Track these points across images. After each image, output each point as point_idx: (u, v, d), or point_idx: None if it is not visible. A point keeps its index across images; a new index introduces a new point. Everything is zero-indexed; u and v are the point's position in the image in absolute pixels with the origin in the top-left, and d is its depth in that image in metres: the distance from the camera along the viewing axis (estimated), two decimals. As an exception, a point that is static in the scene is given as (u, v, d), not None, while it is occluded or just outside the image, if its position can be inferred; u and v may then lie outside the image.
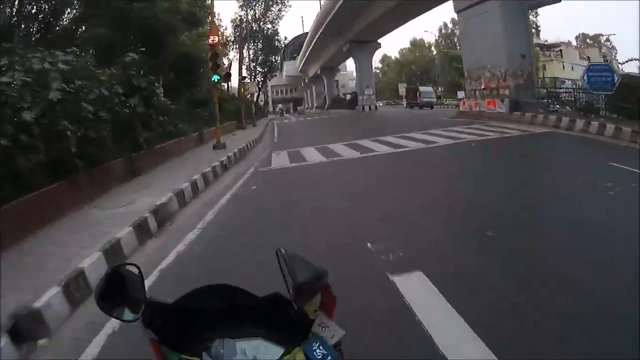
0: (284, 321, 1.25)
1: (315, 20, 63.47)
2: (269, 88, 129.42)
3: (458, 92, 54.83)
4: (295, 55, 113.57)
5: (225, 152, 17.39)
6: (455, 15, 34.97)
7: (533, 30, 76.90)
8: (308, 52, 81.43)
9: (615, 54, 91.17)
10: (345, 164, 14.14)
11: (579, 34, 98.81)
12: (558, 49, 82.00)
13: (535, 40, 77.90)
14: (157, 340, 1.21)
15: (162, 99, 17.32)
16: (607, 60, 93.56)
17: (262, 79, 64.56)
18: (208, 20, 24.94)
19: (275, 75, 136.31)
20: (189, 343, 1.24)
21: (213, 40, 19.23)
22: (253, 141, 23.28)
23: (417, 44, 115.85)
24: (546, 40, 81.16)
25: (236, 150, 18.01)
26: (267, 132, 32.88)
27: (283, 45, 63.91)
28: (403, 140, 18.18)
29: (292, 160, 15.67)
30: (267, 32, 59.74)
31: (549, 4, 30.38)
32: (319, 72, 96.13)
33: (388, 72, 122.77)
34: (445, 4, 38.11)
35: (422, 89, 62.91)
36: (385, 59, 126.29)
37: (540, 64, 74.63)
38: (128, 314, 1.19)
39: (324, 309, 1.19)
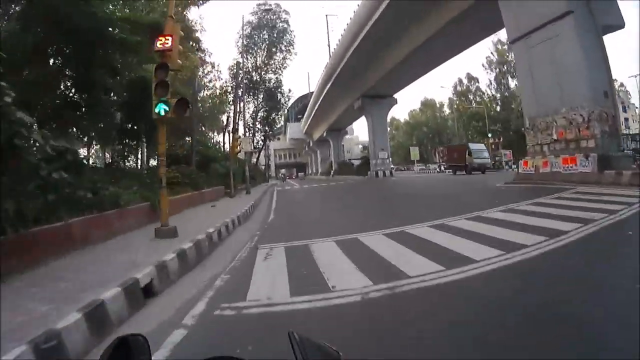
0: None
1: (324, 72, 56.97)
2: (271, 150, 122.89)
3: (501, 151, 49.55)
4: (299, 116, 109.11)
5: (169, 246, 8.58)
6: (470, 69, 29.43)
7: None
8: (315, 110, 75.23)
9: (630, 98, 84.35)
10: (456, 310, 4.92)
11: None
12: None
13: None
14: None
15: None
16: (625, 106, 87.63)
17: (262, 138, 56.75)
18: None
19: (279, 138, 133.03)
20: None
21: (164, 44, 10.76)
22: (237, 219, 14.64)
23: (428, 104, 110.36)
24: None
25: (194, 242, 8.98)
26: (262, 204, 24.60)
27: (287, 99, 56.55)
28: (496, 228, 9.69)
29: (295, 282, 6.45)
30: (269, 82, 52.90)
31: (616, 29, 22.42)
32: (325, 134, 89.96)
33: (397, 135, 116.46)
34: (464, 53, 30.73)
35: (473, 146, 49.74)
36: (393, 122, 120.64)
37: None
38: None
39: None
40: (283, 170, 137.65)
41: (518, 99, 69.23)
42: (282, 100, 55.18)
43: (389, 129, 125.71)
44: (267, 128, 55.78)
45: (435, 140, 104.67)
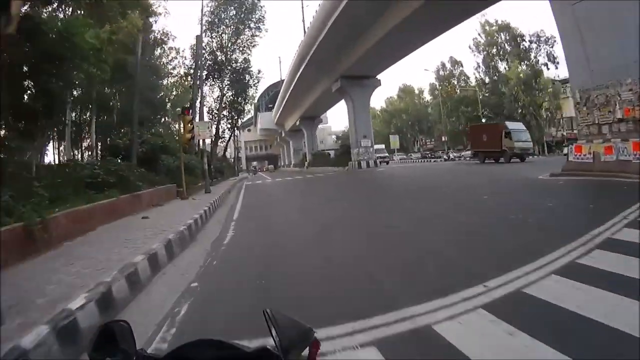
0: None
1: (298, 52, 50.40)
2: (241, 142, 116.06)
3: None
4: (270, 106, 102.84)
5: None
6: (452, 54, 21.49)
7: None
8: (287, 96, 68.97)
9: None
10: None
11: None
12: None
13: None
14: None
15: None
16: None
17: (229, 126, 49.68)
18: None
19: (250, 130, 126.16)
20: None
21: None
22: (166, 245, 8.39)
23: (406, 90, 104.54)
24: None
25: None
26: (222, 208, 18.54)
27: (257, 81, 48.88)
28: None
29: None
30: (235, 63, 45.92)
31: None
32: (298, 123, 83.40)
33: (373, 124, 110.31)
34: (449, 36, 25.50)
35: (511, 125, 38.91)
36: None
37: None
38: None
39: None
40: (254, 163, 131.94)
41: (511, 82, 64.49)
42: (251, 82, 47.72)
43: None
44: (234, 114, 48.43)
45: (415, 129, 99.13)
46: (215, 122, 44.32)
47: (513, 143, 36.25)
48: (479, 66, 75.27)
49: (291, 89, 63.48)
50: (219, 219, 14.65)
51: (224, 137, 49.49)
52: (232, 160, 76.06)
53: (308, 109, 72.04)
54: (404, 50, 42.27)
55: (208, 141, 38.11)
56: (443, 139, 76.35)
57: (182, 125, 20.75)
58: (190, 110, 25.26)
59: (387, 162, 60.15)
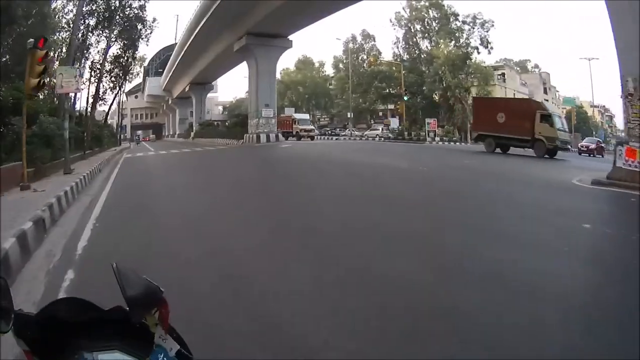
0: (135, 333, 1.21)
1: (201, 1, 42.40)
2: (127, 109, 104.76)
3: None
4: (160, 70, 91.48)
5: None
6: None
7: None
8: (180, 56, 61.16)
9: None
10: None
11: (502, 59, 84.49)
12: (501, 72, 70.21)
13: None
14: (30, 351, 1.21)
15: None
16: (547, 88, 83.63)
17: (112, 85, 40.86)
18: None
19: (137, 97, 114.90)
20: (56, 354, 1.22)
21: None
22: None
23: (306, 62, 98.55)
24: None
25: None
26: (74, 208, 11.17)
27: (150, 31, 39.67)
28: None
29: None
30: (129, 9, 37.25)
31: None
32: (187, 89, 75.33)
33: None
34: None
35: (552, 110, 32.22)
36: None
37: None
38: (1, 325, 1.16)
39: (162, 322, 1.18)
40: (139, 132, 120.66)
41: (437, 62, 61.08)
42: (144, 33, 38.99)
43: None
44: (119, 71, 39.83)
45: (311, 103, 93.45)
46: (96, 79, 35.92)
47: (555, 131, 27.19)
48: (399, 41, 70.83)
49: (186, 47, 55.53)
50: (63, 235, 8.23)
51: (105, 99, 40.60)
52: (116, 128, 66.90)
53: (200, 73, 64.22)
54: (324, 7, 36.36)
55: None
56: (348, 115, 71.28)
57: (28, 64, 12.92)
58: (49, 47, 17.62)
59: (312, 138, 50.36)
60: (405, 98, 58.94)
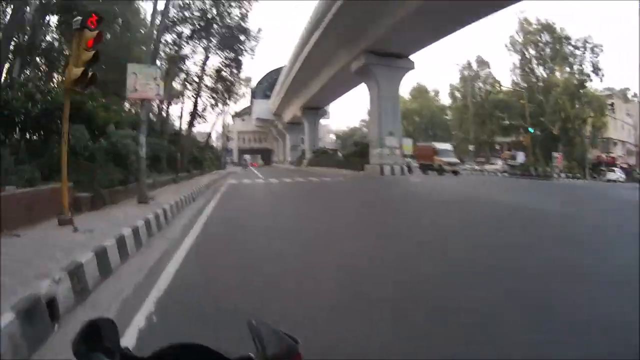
0: None
1: (311, 16, 39.10)
2: (234, 131, 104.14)
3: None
4: (268, 93, 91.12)
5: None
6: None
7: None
8: (290, 79, 58.18)
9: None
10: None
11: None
12: (610, 101, 62.02)
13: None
14: None
15: None
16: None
17: (215, 100, 36.71)
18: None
19: (244, 119, 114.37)
20: None
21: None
22: None
23: (420, 90, 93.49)
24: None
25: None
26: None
27: (255, 42, 36.06)
28: None
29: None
30: (229, 18, 33.13)
31: None
32: (299, 114, 71.64)
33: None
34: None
35: None
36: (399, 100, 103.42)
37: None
38: None
39: None
40: (247, 157, 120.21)
41: (556, 90, 54.41)
42: (247, 45, 35.30)
43: (368, 117, 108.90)
44: (220, 87, 35.99)
45: (428, 134, 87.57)
46: (195, 94, 32.96)
47: None
48: (515, 67, 63.49)
49: (297, 68, 52.49)
50: None
51: (204, 117, 37.21)
52: (221, 150, 65.16)
53: (313, 97, 60.68)
54: (444, 25, 32.14)
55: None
56: (470, 148, 65.26)
57: (73, 48, 8.92)
58: (103, 28, 14.61)
59: (456, 173, 41.71)
60: (531, 130, 52.00)
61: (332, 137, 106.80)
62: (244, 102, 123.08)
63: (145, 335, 3.83)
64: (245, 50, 34.49)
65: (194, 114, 32.33)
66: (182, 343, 1.17)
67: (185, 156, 27.99)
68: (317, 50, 42.02)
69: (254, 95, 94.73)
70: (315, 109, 70.02)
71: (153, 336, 3.76)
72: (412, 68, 39.84)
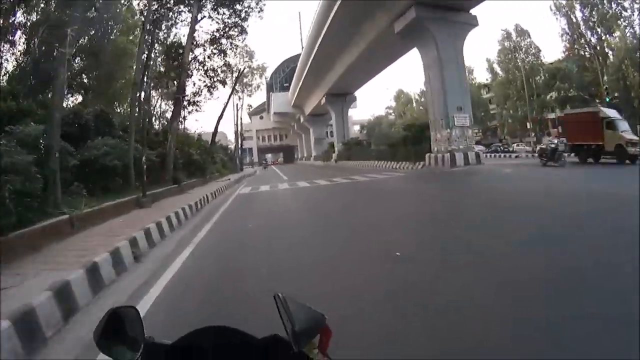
0: None
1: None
2: (251, 129, 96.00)
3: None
4: (286, 85, 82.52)
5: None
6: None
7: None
8: (310, 61, 48.94)
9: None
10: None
11: None
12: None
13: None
14: None
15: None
16: None
17: (211, 80, 26.97)
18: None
19: (262, 117, 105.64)
20: None
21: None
22: None
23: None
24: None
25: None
26: None
27: (259, 9, 26.90)
28: None
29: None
30: None
31: None
32: (323, 101, 61.81)
33: (409, 111, 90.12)
34: None
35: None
36: (400, 95, 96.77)
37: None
38: (128, 354, 1.18)
39: (322, 349, 1.17)
40: (268, 156, 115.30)
41: (614, 57, 46.38)
42: (251, 2, 25.92)
43: (393, 103, 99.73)
44: (222, 60, 26.85)
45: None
46: (177, 68, 23.04)
47: None
48: (566, 33, 53.83)
49: (318, 47, 43.25)
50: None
51: (197, 104, 27.06)
52: (234, 150, 56.22)
53: (340, 80, 51.13)
54: None
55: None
56: (528, 126, 55.57)
57: None
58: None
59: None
60: (607, 99, 41.30)
61: (356, 128, 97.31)
62: (259, 97, 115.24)
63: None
64: (250, 10, 25.11)
65: (180, 100, 22.36)
66: (206, 327, 1.17)
67: (169, 161, 18.81)
68: (344, 14, 32.80)
69: (270, 88, 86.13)
70: (343, 95, 60.00)
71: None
72: (476, 24, 29.77)
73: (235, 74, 33.79)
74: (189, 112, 26.26)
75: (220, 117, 36.78)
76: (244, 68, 37.19)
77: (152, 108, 31.12)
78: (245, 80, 59.20)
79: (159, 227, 9.47)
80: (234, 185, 27.83)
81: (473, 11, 29.58)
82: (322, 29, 38.41)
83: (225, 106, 36.39)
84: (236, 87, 42.28)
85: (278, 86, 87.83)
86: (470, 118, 29.08)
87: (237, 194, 20.15)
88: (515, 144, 53.42)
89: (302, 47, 54.78)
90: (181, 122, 25.72)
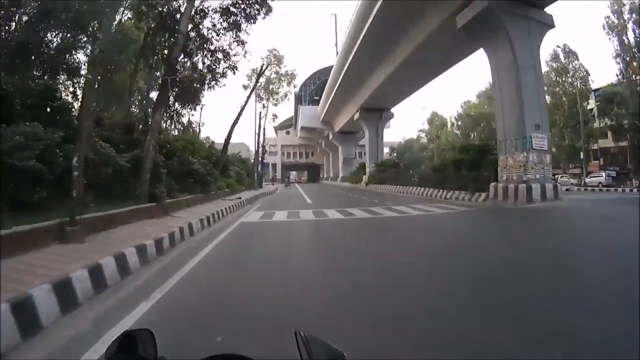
0: None
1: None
2: (276, 144, 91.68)
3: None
4: (317, 98, 77.37)
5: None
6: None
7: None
8: (347, 65, 42.67)
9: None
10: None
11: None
12: None
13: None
14: None
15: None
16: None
17: (213, 66, 20.16)
18: None
19: (288, 132, 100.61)
20: None
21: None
22: None
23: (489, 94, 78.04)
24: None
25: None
26: None
27: None
28: None
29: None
30: None
31: None
32: (356, 117, 55.78)
33: (445, 135, 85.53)
34: None
35: None
36: (434, 118, 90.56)
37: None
38: None
39: None
40: (293, 174, 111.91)
41: None
42: None
43: (426, 126, 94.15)
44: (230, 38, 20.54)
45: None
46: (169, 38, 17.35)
47: None
48: (619, 55, 47.97)
49: (354, 51, 37.99)
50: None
51: (195, 92, 21.07)
52: (254, 164, 50.94)
53: (376, 93, 45.26)
54: None
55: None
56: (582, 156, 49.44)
57: None
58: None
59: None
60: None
61: (385, 150, 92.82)
62: (286, 109, 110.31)
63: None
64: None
65: (167, 84, 16.39)
66: (225, 355, 1.13)
67: (145, 169, 13.29)
68: (387, 15, 28.14)
69: (299, 100, 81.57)
70: (378, 111, 53.87)
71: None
72: (552, 26, 23.60)
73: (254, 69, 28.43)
74: (183, 105, 20.82)
75: (236, 121, 31.63)
76: (268, 64, 32.21)
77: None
78: (271, 86, 54.64)
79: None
80: (245, 205, 22.36)
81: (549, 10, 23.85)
82: (361, 32, 33.59)
83: (243, 108, 31.99)
84: (259, 87, 37.60)
85: (307, 99, 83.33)
86: (549, 139, 22.94)
87: (240, 223, 14.53)
88: (559, 176, 47.19)
89: (337, 53, 49.40)
90: (194, 125, 20.20)
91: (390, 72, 37.93)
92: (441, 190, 27.54)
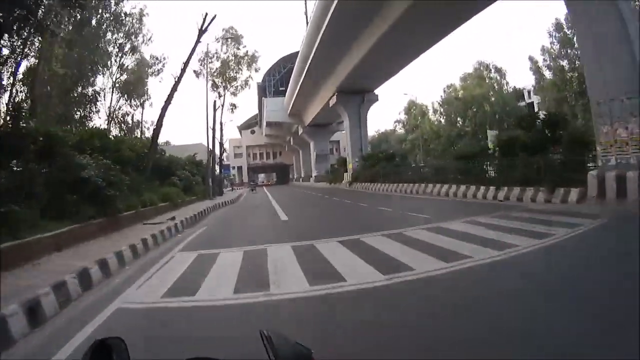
0: None
1: None
2: (242, 147, 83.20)
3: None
4: (282, 89, 68.73)
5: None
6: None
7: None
8: (317, 44, 35.12)
9: None
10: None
11: None
12: None
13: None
14: None
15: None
16: None
17: None
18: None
19: (253, 131, 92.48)
20: None
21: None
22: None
23: (480, 74, 72.13)
24: None
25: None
26: None
27: None
28: None
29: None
30: None
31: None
32: (333, 103, 46.70)
33: (422, 123, 78.88)
34: None
35: None
36: (412, 107, 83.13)
37: None
38: None
39: None
40: (261, 176, 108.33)
41: None
42: None
43: (404, 117, 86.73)
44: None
45: (503, 126, 61.72)
46: None
47: None
48: None
49: (325, 25, 30.79)
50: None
51: None
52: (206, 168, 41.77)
53: (356, 70, 36.93)
54: None
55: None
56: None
57: None
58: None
59: None
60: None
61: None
62: (249, 107, 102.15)
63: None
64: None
65: None
66: (195, 358, 1.15)
67: None
68: None
69: (263, 90, 73.70)
70: (360, 93, 45.08)
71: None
72: None
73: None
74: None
75: (169, 101, 22.87)
76: (212, 18, 23.67)
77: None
78: (228, 71, 46.46)
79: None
80: (173, 234, 13.22)
81: None
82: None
83: (179, 80, 23.75)
84: (213, 73, 29.06)
85: (272, 90, 74.64)
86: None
87: (109, 316, 5.50)
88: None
89: (306, 28, 40.42)
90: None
91: (374, 43, 30.38)
92: (476, 188, 18.68)
